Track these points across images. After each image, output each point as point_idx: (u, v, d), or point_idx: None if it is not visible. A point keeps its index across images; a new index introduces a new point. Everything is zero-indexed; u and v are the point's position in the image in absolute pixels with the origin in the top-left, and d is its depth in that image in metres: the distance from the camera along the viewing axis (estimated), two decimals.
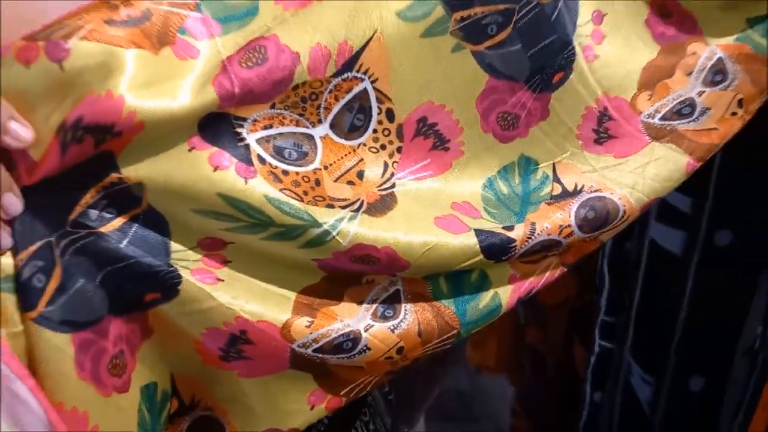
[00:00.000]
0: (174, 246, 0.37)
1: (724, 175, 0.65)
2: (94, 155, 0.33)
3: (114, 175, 0.34)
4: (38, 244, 0.33)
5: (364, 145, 0.41)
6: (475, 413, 1.45)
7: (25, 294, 0.33)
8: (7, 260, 0.33)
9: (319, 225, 0.38)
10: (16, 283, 0.33)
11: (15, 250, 0.33)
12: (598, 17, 0.45)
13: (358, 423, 0.53)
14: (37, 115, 0.31)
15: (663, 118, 0.48)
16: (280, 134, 0.38)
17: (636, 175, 0.46)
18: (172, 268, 0.37)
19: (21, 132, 0.31)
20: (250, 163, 0.37)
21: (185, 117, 0.34)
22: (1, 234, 0.32)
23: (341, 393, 0.43)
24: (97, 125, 0.31)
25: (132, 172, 0.34)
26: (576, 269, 0.76)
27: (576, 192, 0.46)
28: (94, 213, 0.34)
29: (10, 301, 0.33)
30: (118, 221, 0.35)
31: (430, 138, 0.44)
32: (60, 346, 0.34)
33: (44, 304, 0.33)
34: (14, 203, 0.32)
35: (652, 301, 0.77)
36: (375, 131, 0.41)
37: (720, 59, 0.49)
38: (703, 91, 0.49)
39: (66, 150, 0.32)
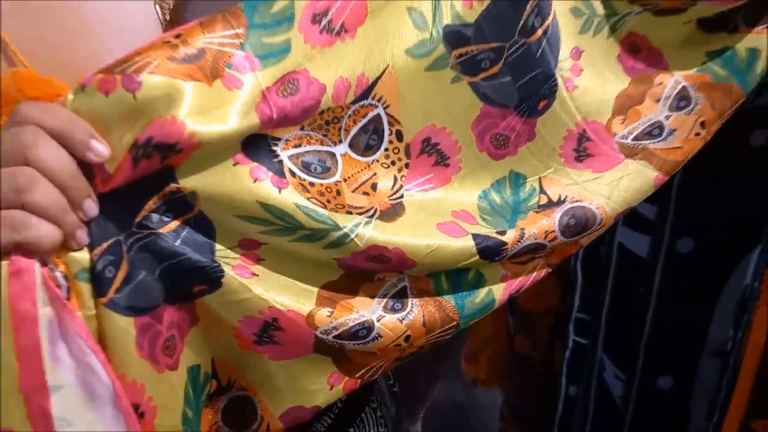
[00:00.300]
0: (218, 246, 0.44)
1: (684, 188, 0.73)
2: (158, 169, 0.40)
3: (173, 185, 0.41)
4: (109, 241, 0.40)
5: (377, 161, 0.48)
6: (472, 423, 1.51)
7: (98, 283, 0.39)
8: (84, 255, 0.39)
9: (339, 229, 0.45)
10: (91, 274, 0.39)
11: (90, 247, 0.39)
12: (577, 53, 0.53)
13: (368, 408, 0.59)
14: (113, 136, 0.38)
15: (635, 139, 0.55)
16: (308, 152, 0.45)
17: (611, 188, 0.53)
18: (216, 264, 0.43)
19: (100, 149, 0.38)
20: (282, 175, 0.43)
21: (232, 138, 0.41)
22: (80, 233, 0.39)
23: (356, 375, 0.49)
24: (163, 144, 0.38)
25: (187, 183, 0.41)
26: (560, 277, 0.83)
27: (560, 202, 0.53)
28: (155, 217, 0.41)
29: (85, 288, 0.39)
30: (174, 224, 0.42)
31: (433, 155, 0.50)
32: (125, 328, 0.40)
33: (113, 292, 0.40)
34: (92, 207, 0.39)
35: (622, 301, 0.83)
36: (386, 150, 0.48)
37: (684, 87, 0.57)
38: (670, 115, 0.56)
39: (137, 164, 0.38)
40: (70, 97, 0.38)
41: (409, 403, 0.68)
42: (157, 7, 0.50)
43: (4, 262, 0.36)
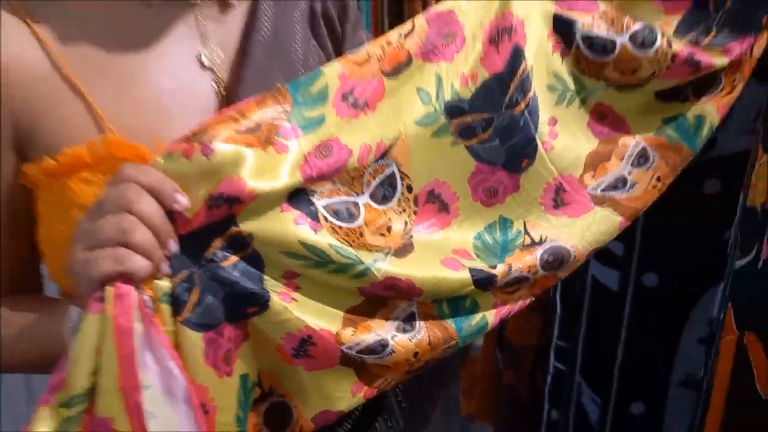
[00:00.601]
0: (266, 276, 0.54)
1: (647, 229, 0.84)
2: (224, 216, 0.51)
3: (234, 229, 0.52)
4: (185, 272, 0.51)
5: (392, 209, 0.59)
6: None
7: (176, 305, 0.50)
8: (166, 283, 0.50)
9: (362, 263, 0.56)
10: (171, 298, 0.50)
11: (171, 276, 0.50)
12: (553, 121, 0.64)
13: (380, 418, 0.70)
14: (192, 190, 0.50)
15: (603, 190, 0.67)
16: (337, 202, 0.56)
17: (583, 230, 0.65)
18: (264, 291, 0.54)
19: (182, 201, 0.49)
20: (318, 221, 0.55)
21: (281, 192, 0.52)
22: (164, 266, 0.50)
23: (374, 385, 0.60)
24: (230, 197, 0.50)
25: (245, 226, 0.52)
26: (543, 312, 0.94)
27: (541, 242, 0.64)
28: (220, 253, 0.52)
29: (166, 309, 0.50)
30: (233, 258, 0.53)
31: (436, 204, 0.62)
32: (195, 341, 0.51)
33: (187, 312, 0.51)
34: (174, 246, 0.50)
35: (596, 330, 0.93)
36: (399, 200, 0.59)
37: (643, 148, 0.69)
38: (632, 171, 0.68)
39: (209, 213, 0.50)
40: (160, 160, 0.49)
41: (416, 418, 0.78)
42: (214, 84, 0.62)
43: (110, 288, 0.47)
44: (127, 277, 0.47)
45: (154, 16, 0.60)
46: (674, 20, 0.69)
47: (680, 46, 0.64)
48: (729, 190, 0.84)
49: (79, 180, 0.55)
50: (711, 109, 0.69)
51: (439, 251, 0.61)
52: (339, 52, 0.68)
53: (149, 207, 0.48)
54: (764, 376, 0.85)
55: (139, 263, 0.48)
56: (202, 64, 0.61)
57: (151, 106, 0.58)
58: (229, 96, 0.61)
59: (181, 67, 0.60)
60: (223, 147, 0.50)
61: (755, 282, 0.83)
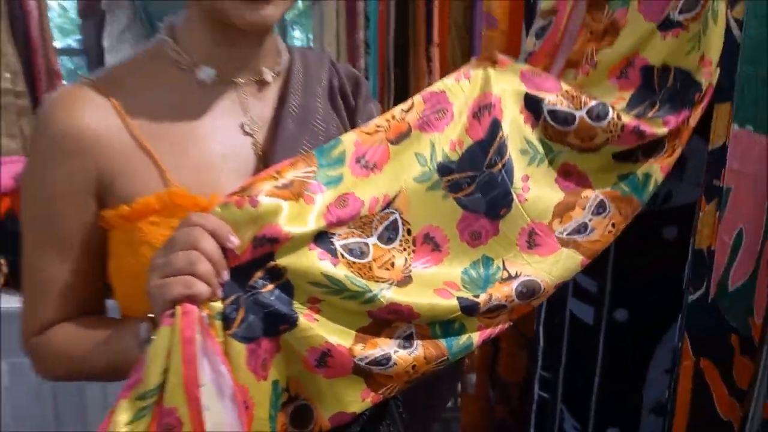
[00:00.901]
0: (295, 301, 0.68)
1: (617, 269, 0.98)
2: (265, 253, 0.66)
3: (272, 263, 0.66)
4: (233, 296, 0.65)
5: (395, 248, 0.74)
6: None
7: (226, 321, 0.64)
8: (219, 304, 0.64)
9: (371, 292, 0.70)
10: (222, 316, 0.64)
11: (222, 299, 0.65)
12: (526, 178, 0.79)
13: (383, 423, 0.83)
14: (241, 232, 0.64)
15: (568, 234, 0.81)
16: (352, 242, 0.71)
17: (551, 267, 0.79)
18: (294, 313, 0.68)
19: (234, 242, 0.64)
20: (336, 257, 0.69)
21: (309, 235, 0.67)
22: (219, 291, 0.64)
23: (380, 392, 0.73)
24: (271, 238, 0.64)
25: (281, 261, 0.67)
26: (529, 349, 1.06)
27: (516, 276, 0.78)
28: (260, 282, 0.66)
29: (218, 325, 0.64)
30: (270, 286, 0.67)
31: (430, 245, 0.76)
32: (240, 350, 0.65)
33: (234, 327, 0.65)
34: (226, 276, 0.64)
35: (575, 361, 1.05)
36: (400, 241, 0.74)
37: (601, 200, 0.83)
38: (592, 219, 0.82)
39: (254, 250, 0.64)
40: (218, 209, 0.64)
41: (415, 428, 0.91)
42: (253, 146, 0.77)
43: (179, 306, 0.61)
44: (192, 299, 0.62)
45: (207, 93, 0.75)
46: (627, 95, 0.85)
47: (628, 119, 0.80)
48: (683, 236, 0.97)
49: (148, 223, 0.70)
50: (656, 168, 0.84)
51: (433, 283, 0.75)
52: (352, 120, 0.84)
53: (210, 245, 0.63)
54: (723, 399, 0.92)
55: (201, 288, 0.62)
56: (243, 131, 0.77)
57: (204, 164, 0.74)
58: (265, 156, 0.76)
59: (227, 133, 0.76)
60: (266, 200, 0.65)
61: (707, 314, 0.94)
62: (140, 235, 0.70)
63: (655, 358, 1.03)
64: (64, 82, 2.04)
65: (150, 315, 0.65)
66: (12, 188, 1.54)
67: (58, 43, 2.28)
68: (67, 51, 3.24)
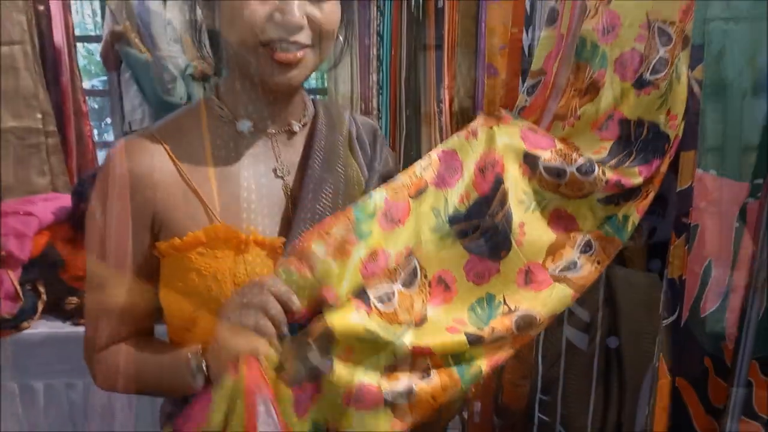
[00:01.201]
0: (334, 347, 0.78)
1: (608, 302, 1.09)
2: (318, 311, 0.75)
3: (321, 320, 0.76)
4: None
5: (414, 292, 0.84)
6: None
7: (279, 371, 0.74)
8: (275, 355, 0.74)
9: (398, 337, 0.79)
10: (276, 365, 0.74)
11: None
12: (522, 225, 0.90)
13: None
14: (300, 293, 0.74)
15: (560, 271, 0.92)
16: (381, 291, 0.80)
17: (545, 301, 0.90)
18: (330, 360, 0.77)
19: (295, 303, 0.74)
20: (369, 307, 0.79)
21: (351, 291, 0.76)
22: (278, 347, 0.74)
23: (405, 420, 0.82)
24: (324, 300, 0.74)
25: (329, 319, 0.76)
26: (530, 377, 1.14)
27: (515, 310, 0.88)
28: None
29: (272, 373, 0.73)
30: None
31: (442, 286, 0.87)
32: (289, 394, 0.74)
33: (286, 375, 0.74)
34: (285, 332, 0.74)
35: (572, 385, 1.14)
36: (419, 285, 0.84)
37: (588, 240, 0.94)
38: (580, 257, 0.93)
39: (311, 311, 0.74)
40: (283, 275, 0.74)
41: None
42: (283, 188, 0.87)
43: (244, 361, 0.70)
44: (256, 353, 0.71)
45: (244, 142, 0.87)
46: (608, 144, 0.96)
47: (611, 174, 0.91)
48: (666, 267, 1.08)
49: (196, 253, 0.80)
50: (633, 210, 0.96)
51: (445, 320, 0.85)
52: (369, 165, 0.94)
53: (275, 308, 0.74)
54: (701, 417, 1.01)
55: (265, 347, 0.73)
56: (275, 174, 0.87)
57: (243, 203, 0.84)
58: (294, 197, 0.87)
59: (262, 176, 0.87)
60: (320, 265, 0.74)
61: (681, 337, 1.03)
62: (189, 264, 0.80)
63: (644, 383, 1.12)
64: (90, 122, 2.15)
65: (196, 347, 0.77)
66: (51, 222, 1.57)
67: (85, 83, 2.32)
68: (92, 92, 3.41)
